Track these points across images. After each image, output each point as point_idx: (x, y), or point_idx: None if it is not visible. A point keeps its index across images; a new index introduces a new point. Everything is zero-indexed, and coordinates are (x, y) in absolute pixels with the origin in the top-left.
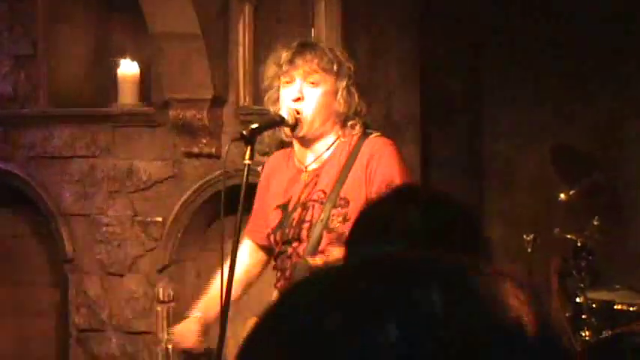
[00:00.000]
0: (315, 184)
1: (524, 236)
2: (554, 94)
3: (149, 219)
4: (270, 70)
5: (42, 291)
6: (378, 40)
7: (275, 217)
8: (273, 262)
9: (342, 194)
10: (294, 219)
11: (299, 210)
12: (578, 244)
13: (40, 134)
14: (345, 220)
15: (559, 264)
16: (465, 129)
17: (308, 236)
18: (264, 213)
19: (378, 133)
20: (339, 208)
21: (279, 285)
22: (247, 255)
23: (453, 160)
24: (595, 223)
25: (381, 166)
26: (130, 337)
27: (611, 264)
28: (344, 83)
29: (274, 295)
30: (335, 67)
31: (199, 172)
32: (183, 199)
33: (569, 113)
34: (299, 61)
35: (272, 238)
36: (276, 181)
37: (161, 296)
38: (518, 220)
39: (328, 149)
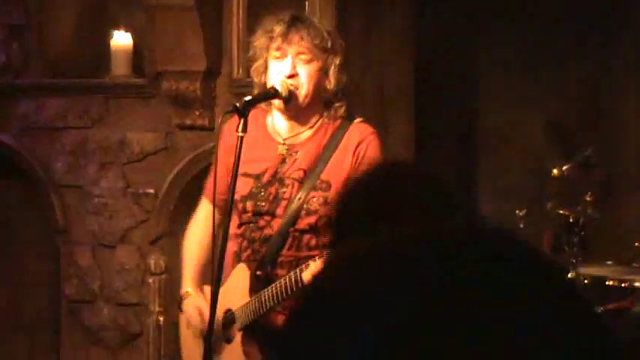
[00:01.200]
0: (294, 161)
1: (517, 211)
2: (550, 69)
3: (141, 190)
4: (261, 41)
5: (33, 262)
6: (373, 11)
7: (244, 184)
8: (233, 230)
9: (323, 177)
10: (270, 193)
11: (275, 185)
12: (571, 220)
13: (33, 105)
14: (326, 203)
15: (551, 239)
16: (458, 102)
17: (284, 214)
18: (224, 176)
19: (362, 119)
20: (320, 191)
21: (245, 255)
22: (210, 217)
23: (446, 134)
24: (588, 198)
25: (368, 152)
26: (122, 308)
27: (603, 240)
28: (337, 61)
29: (242, 266)
30: (329, 45)
31: (192, 144)
32: (175, 171)
33: (564, 88)
34: (294, 37)
35: (240, 205)
36: (245, 147)
37: (153, 268)
38: (511, 195)
39: (311, 128)
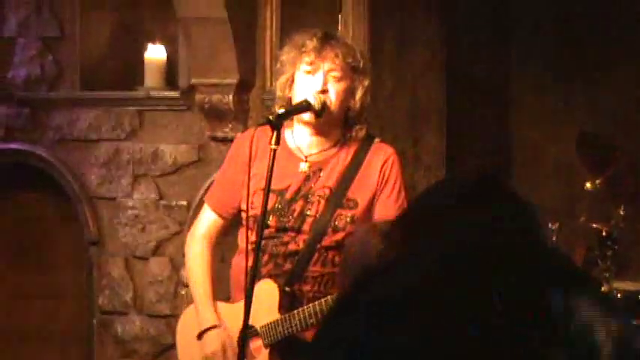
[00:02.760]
0: (318, 178)
1: (550, 225)
2: (583, 83)
3: (174, 203)
4: (290, 55)
5: (67, 273)
6: (405, 26)
7: (266, 200)
8: (246, 244)
9: (350, 195)
10: (294, 210)
11: (300, 202)
12: (604, 234)
13: (67, 117)
14: (352, 221)
15: (584, 253)
16: (491, 116)
17: (310, 230)
18: (239, 188)
19: (380, 139)
20: (347, 209)
21: (266, 270)
22: (215, 229)
23: (479, 147)
24: (621, 212)
25: (393, 171)
26: (154, 320)
27: (636, 254)
28: (366, 83)
29: (267, 282)
30: (360, 65)
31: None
32: (208, 183)
33: (596, 100)
34: (328, 54)
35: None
36: (262, 162)
37: (185, 280)
38: (543, 209)
39: (334, 146)
